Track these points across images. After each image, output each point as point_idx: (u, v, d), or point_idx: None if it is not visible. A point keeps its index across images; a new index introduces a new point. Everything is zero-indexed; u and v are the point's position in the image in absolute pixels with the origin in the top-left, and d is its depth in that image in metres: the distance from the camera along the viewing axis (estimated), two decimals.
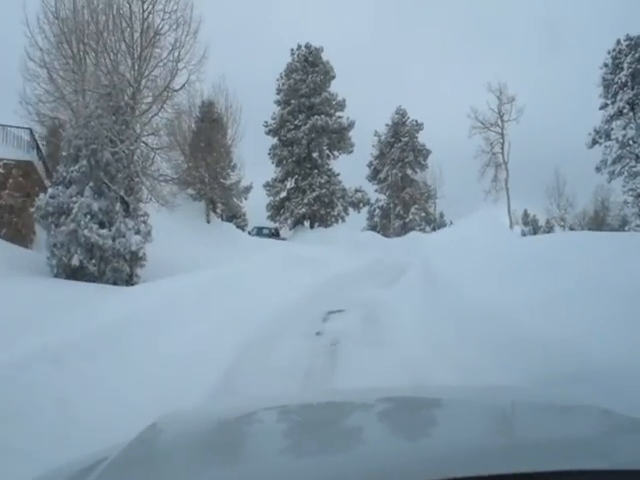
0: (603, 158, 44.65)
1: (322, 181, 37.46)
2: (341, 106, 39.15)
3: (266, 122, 38.83)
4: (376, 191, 54.09)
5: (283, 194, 39.14)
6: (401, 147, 52.47)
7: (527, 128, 43.26)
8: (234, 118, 25.22)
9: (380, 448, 1.44)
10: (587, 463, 1.20)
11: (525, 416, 1.89)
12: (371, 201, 40.04)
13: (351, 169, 43.49)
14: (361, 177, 50.93)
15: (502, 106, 41.19)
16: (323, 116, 37.50)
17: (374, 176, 53.81)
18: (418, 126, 53.36)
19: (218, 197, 30.17)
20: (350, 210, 39.06)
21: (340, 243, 32.92)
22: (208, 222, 25.91)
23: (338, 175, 39.47)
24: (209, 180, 25.26)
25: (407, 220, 52.68)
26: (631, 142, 44.82)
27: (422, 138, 52.97)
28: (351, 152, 39.85)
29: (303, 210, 37.18)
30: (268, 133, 38.66)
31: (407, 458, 1.29)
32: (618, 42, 47.34)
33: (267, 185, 38.94)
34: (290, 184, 39.36)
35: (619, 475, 1.15)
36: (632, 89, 45.99)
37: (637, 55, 46.41)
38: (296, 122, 38.11)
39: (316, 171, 38.30)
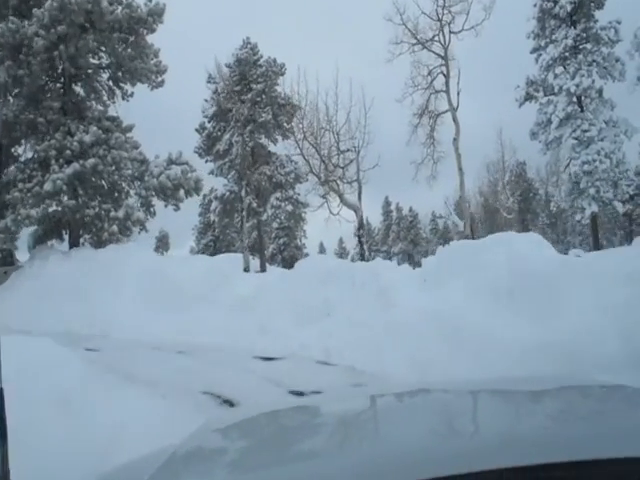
0: (539, 119, 30.51)
1: (88, 139, 16.34)
2: None
3: None
4: (213, 173, 33.53)
5: None
6: (252, 100, 32.34)
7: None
8: None
9: (393, 444, 1.42)
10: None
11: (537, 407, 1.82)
12: (202, 185, 19.11)
13: (166, 128, 22.77)
14: (187, 149, 30.03)
15: (445, 8, 22.33)
16: None
17: (209, 148, 33.17)
18: (278, 68, 33.48)
19: None
20: (160, 205, 18.18)
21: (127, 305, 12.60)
22: None
23: (129, 131, 18.51)
24: None
25: (263, 218, 32.72)
26: (583, 97, 30.05)
27: (285, 87, 33.28)
28: (159, 84, 19.00)
29: (41, 209, 15.75)
30: None
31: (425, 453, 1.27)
32: None
33: None
34: (17, 149, 17.71)
35: None
36: (574, 24, 31.41)
37: None
38: None
39: (75, 116, 17.15)
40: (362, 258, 19.84)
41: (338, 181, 21.49)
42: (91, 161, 16.11)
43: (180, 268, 13.53)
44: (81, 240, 17.89)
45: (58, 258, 15.71)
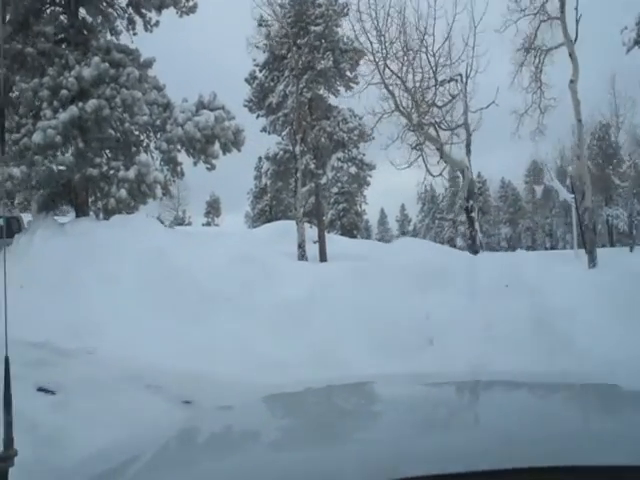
0: None
1: (88, 73, 12.18)
2: None
3: None
4: (265, 130, 29.24)
5: None
6: (309, 44, 27.72)
7: None
8: None
9: (385, 441, 1.38)
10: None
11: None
12: (244, 138, 14.84)
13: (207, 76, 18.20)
14: (236, 103, 25.50)
15: None
16: None
17: (260, 100, 28.82)
18: (339, 7, 28.63)
19: None
20: (189, 158, 13.84)
21: None
22: None
23: (149, 67, 14.28)
24: None
25: (322, 181, 28.25)
26: None
27: (348, 30, 28.44)
28: (190, 10, 14.66)
29: (28, 167, 11.82)
30: None
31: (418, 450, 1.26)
32: None
33: None
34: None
35: None
36: None
37: None
38: None
39: (78, 47, 13.08)
40: (472, 243, 14.53)
41: (435, 127, 16.00)
42: (92, 103, 11.94)
43: (199, 252, 9.26)
44: (91, 208, 13.95)
45: (48, 234, 11.72)
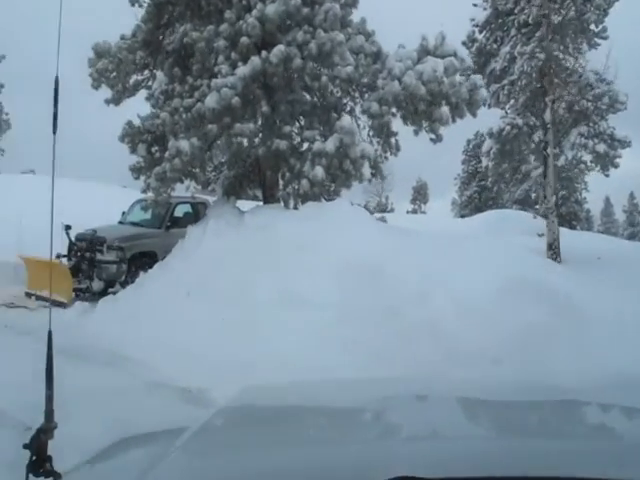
0: None
1: (273, 10, 8.95)
2: None
3: None
4: (484, 104, 24.63)
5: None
6: None
7: None
8: None
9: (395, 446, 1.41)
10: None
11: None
12: (482, 97, 10.98)
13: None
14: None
15: None
16: None
17: (480, 67, 24.33)
18: None
19: None
20: (407, 127, 10.11)
21: None
22: None
23: (353, 6, 10.75)
24: None
25: (559, 162, 23.17)
26: None
27: None
28: None
29: (198, 139, 8.98)
30: None
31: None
32: None
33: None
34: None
35: None
36: None
37: None
38: None
39: None
40: None
41: None
42: (279, 50, 8.74)
43: (436, 267, 5.54)
44: (279, 193, 10.90)
45: (222, 226, 8.77)
